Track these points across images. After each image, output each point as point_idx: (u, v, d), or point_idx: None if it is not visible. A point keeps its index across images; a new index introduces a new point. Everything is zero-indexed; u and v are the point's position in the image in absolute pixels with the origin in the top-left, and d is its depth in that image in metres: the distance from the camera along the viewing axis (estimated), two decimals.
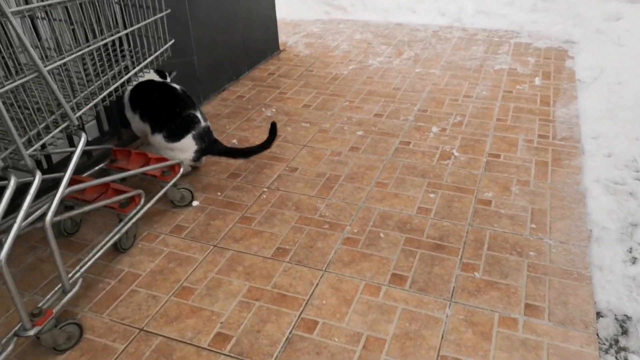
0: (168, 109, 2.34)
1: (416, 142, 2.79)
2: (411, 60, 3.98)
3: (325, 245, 2.05)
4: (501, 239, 2.06)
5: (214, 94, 3.42)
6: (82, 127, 1.71)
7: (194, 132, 2.34)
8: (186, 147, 2.34)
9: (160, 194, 2.13)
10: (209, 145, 2.42)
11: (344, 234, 2.10)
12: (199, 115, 2.39)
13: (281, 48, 4.29)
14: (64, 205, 2.10)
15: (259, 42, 3.92)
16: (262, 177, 2.50)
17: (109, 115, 2.71)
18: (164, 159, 2.23)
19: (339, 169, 2.56)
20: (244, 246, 2.05)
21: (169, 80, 2.58)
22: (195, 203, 2.31)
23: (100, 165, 2.33)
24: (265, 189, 2.42)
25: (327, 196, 2.35)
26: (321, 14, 5.30)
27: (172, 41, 2.06)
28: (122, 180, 2.26)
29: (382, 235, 2.09)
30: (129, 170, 2.22)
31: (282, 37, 4.57)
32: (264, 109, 3.23)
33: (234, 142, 2.84)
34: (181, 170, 2.23)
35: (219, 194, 2.38)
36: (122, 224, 1.95)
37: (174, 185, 2.21)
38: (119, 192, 2.01)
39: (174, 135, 2.33)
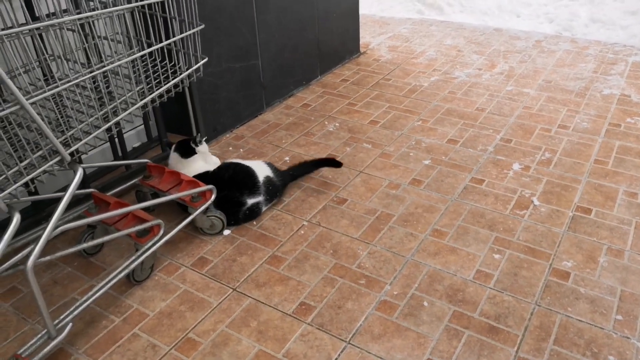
0: (229, 200, 2.14)
1: (491, 180, 2.39)
2: (504, 75, 3.50)
3: (356, 307, 1.76)
4: (574, 330, 1.66)
5: (278, 100, 3.21)
6: (78, 160, 1.55)
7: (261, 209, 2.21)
8: None
9: (185, 222, 1.96)
10: (278, 192, 2.28)
11: (380, 296, 1.80)
12: (262, 198, 2.19)
13: (362, 50, 3.98)
14: (87, 225, 1.99)
15: (336, 44, 3.64)
16: (305, 207, 2.25)
17: (158, 118, 2.58)
18: (196, 183, 2.04)
19: (393, 206, 2.24)
20: (265, 295, 1.82)
21: (198, 149, 2.23)
22: (226, 232, 2.11)
23: (134, 181, 2.20)
24: (305, 223, 2.16)
25: (372, 241, 2.05)
26: (414, 12, 4.90)
27: (205, 59, 1.85)
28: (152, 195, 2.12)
29: (425, 303, 1.77)
30: (160, 189, 2.07)
31: (366, 38, 4.26)
32: (326, 122, 2.96)
33: (286, 160, 2.61)
34: (213, 196, 2.03)
35: (254, 223, 2.17)
36: (136, 255, 1.80)
37: (204, 212, 2.03)
38: (139, 219, 1.85)
39: (242, 222, 2.18)
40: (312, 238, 2.08)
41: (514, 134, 2.77)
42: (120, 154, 2.35)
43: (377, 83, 3.44)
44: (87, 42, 1.65)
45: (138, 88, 1.69)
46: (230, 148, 2.73)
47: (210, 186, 2.03)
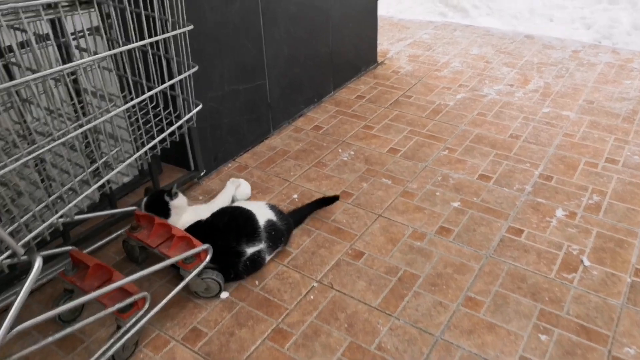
0: (226, 252, 1.84)
1: (531, 231, 2.07)
2: (539, 93, 3.15)
3: None
4: None
5: (287, 121, 2.89)
6: (36, 249, 1.26)
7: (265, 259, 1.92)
8: None
9: (176, 290, 1.66)
10: (283, 237, 1.99)
11: None
12: (264, 245, 1.89)
13: (379, 60, 3.64)
14: (64, 288, 1.70)
15: (351, 54, 3.30)
16: (316, 262, 1.94)
17: None
18: (189, 240, 1.74)
19: (418, 263, 1.93)
20: None
21: (172, 204, 1.90)
22: (224, 295, 1.81)
23: (120, 232, 1.91)
24: (315, 284, 1.86)
25: (395, 311, 1.74)
26: (436, 14, 4.53)
27: (200, 106, 1.54)
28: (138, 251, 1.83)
29: None
30: (148, 244, 1.78)
31: (384, 45, 3.91)
32: (340, 150, 2.64)
33: (294, 197, 2.30)
34: (207, 258, 1.73)
35: (256, 283, 1.87)
36: (117, 334, 1.51)
37: (198, 274, 1.73)
38: (122, 289, 1.56)
39: (243, 274, 1.89)
40: (324, 306, 1.77)
41: (555, 169, 2.43)
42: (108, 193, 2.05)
43: (397, 101, 3.10)
44: (73, 96, 1.35)
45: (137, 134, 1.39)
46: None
47: (205, 246, 1.72)
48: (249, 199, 2.27)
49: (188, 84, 1.47)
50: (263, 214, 1.92)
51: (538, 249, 1.98)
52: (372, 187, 2.35)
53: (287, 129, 2.84)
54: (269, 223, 1.90)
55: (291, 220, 2.04)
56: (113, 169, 1.43)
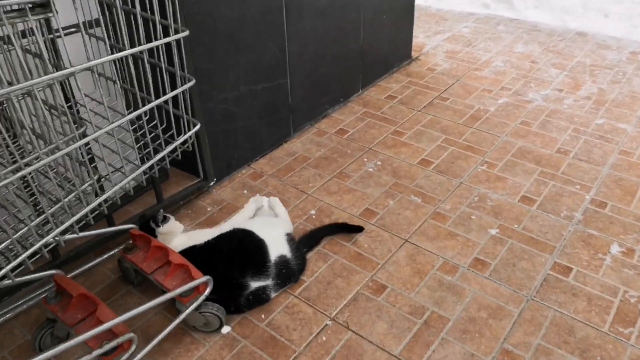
0: (227, 282, 1.63)
1: (581, 269, 1.80)
2: (592, 100, 2.82)
3: None
4: None
5: (309, 123, 2.65)
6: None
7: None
8: None
9: (172, 326, 1.46)
10: (293, 277, 1.77)
11: None
12: (271, 282, 1.68)
13: (414, 55, 3.35)
14: (46, 317, 1.52)
15: (384, 50, 3.03)
16: (331, 295, 1.72)
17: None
18: (188, 270, 1.53)
19: (448, 303, 1.69)
20: None
21: (159, 231, 1.72)
22: (225, 330, 1.61)
23: (114, 252, 1.72)
24: (328, 322, 1.63)
25: None
26: (477, 5, 4.19)
27: (198, 126, 1.31)
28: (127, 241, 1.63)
29: None
30: (143, 269, 1.58)
31: (419, 37, 3.61)
32: (365, 159, 2.39)
33: (311, 214, 2.07)
34: (207, 291, 1.52)
35: (262, 317, 1.66)
36: None
37: (197, 308, 1.52)
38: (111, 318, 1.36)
39: (244, 309, 1.67)
40: (337, 350, 1.55)
41: (610, 194, 2.14)
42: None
43: (431, 103, 2.83)
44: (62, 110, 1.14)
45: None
46: (245, 191, 2.20)
47: (204, 278, 1.51)
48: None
49: (183, 100, 1.25)
50: (277, 246, 1.71)
51: (589, 293, 1.71)
52: (399, 206, 2.11)
53: (309, 132, 2.60)
54: (282, 259, 1.68)
55: (305, 259, 1.82)
56: (111, 185, 1.22)
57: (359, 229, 1.95)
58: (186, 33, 1.13)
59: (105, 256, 1.69)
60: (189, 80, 1.22)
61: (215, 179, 2.17)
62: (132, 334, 1.36)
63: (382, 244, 1.92)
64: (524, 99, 2.85)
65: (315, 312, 1.67)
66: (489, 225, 2.00)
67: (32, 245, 1.13)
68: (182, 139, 1.31)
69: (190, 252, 1.64)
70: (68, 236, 1.49)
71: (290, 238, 1.76)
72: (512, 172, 2.28)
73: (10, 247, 1.13)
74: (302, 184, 2.24)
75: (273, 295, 1.68)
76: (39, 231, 1.18)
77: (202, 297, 1.51)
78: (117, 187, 1.25)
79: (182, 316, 1.48)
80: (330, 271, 1.81)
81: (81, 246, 1.78)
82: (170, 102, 1.26)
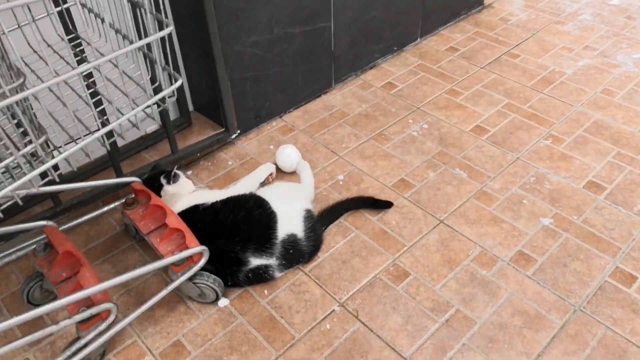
0: (228, 252, 1.46)
1: None
2: None
3: None
4: None
5: (354, 73, 2.38)
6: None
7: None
8: None
9: (160, 295, 1.33)
10: (302, 258, 1.57)
11: None
12: (275, 262, 1.49)
13: (487, 1, 2.93)
14: (36, 271, 1.43)
15: None
16: (345, 275, 1.53)
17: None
18: (183, 236, 1.38)
19: (478, 302, 1.45)
20: None
21: (166, 190, 1.55)
22: (222, 302, 1.47)
23: (116, 204, 1.59)
24: (336, 307, 1.46)
25: None
26: None
27: (179, 82, 1.10)
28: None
29: None
30: (140, 228, 1.45)
31: None
32: (411, 120, 2.12)
33: (339, 179, 1.86)
34: (202, 262, 1.37)
35: (265, 292, 1.50)
36: (75, 347, 1.23)
37: (190, 279, 1.38)
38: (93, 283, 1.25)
39: (243, 285, 1.52)
40: (340, 342, 1.38)
41: None
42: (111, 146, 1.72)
43: (498, 60, 2.46)
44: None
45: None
46: (272, 146, 2.01)
47: (199, 248, 1.36)
48: (292, 171, 1.87)
49: (161, 49, 1.04)
50: (289, 223, 1.52)
51: None
52: (440, 179, 1.85)
53: (353, 84, 2.34)
54: (291, 238, 1.49)
55: (321, 240, 1.61)
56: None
57: (387, 205, 1.72)
58: None
59: (106, 208, 1.57)
60: (167, 26, 1.01)
61: (238, 131, 1.98)
62: (110, 304, 1.24)
63: (413, 222, 1.69)
64: (610, 62, 2.42)
65: (324, 294, 1.49)
66: (542, 213, 1.71)
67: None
68: (160, 95, 1.11)
69: (191, 214, 1.49)
70: (48, 189, 1.37)
71: (308, 215, 1.56)
72: (581, 151, 1.94)
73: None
74: (335, 143, 2.02)
75: (277, 275, 1.51)
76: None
77: (196, 267, 1.36)
78: (75, 148, 1.07)
79: (172, 286, 1.35)
80: (349, 248, 1.61)
81: (86, 194, 1.67)
82: (156, 50, 1.06)
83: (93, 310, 1.21)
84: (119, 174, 1.68)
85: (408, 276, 1.53)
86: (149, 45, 1.07)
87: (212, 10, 1.63)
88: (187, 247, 1.35)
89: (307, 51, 2.09)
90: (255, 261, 1.44)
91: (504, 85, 2.29)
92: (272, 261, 1.46)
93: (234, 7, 1.74)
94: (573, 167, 1.88)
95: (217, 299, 1.45)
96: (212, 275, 1.42)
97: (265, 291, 1.50)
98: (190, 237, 1.37)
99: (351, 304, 1.46)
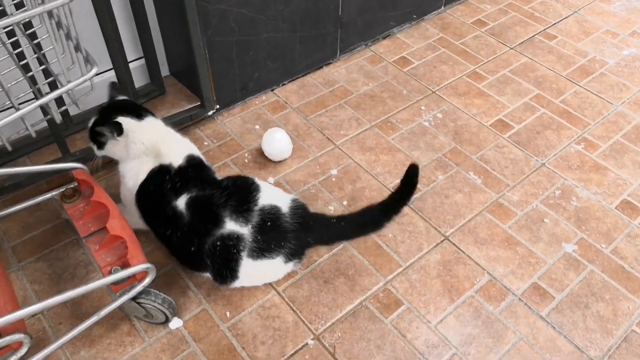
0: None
1: None
2: None
3: None
4: None
5: (364, 43, 2.05)
6: None
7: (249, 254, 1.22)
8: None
9: (94, 319, 1.09)
10: (285, 244, 1.24)
11: None
12: (247, 234, 1.19)
13: None
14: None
15: None
16: (325, 300, 1.29)
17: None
18: (125, 247, 1.13)
19: (478, 347, 1.21)
20: None
21: (128, 128, 1.20)
22: (175, 324, 1.23)
23: (52, 194, 1.32)
24: (310, 341, 1.22)
25: None
26: None
27: (94, 70, 0.81)
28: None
29: None
30: (77, 228, 1.20)
31: None
32: (423, 107, 1.82)
33: (331, 174, 1.59)
34: (147, 280, 1.12)
35: (227, 314, 1.26)
36: None
37: (134, 298, 1.14)
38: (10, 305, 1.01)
39: (220, 276, 1.24)
40: None
41: None
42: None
43: (531, 41, 2.13)
44: None
45: None
46: (257, 126, 1.72)
47: (144, 266, 1.10)
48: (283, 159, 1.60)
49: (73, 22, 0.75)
50: (273, 197, 1.24)
51: None
52: (450, 184, 1.57)
53: (360, 55, 2.02)
54: (273, 210, 1.22)
55: (315, 234, 1.28)
56: None
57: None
58: None
59: (40, 199, 1.30)
60: None
61: (217, 106, 1.69)
62: (21, 335, 0.99)
63: (413, 237, 1.43)
64: None
65: (298, 322, 1.25)
66: (565, 237, 1.44)
67: None
68: (71, 85, 0.82)
69: (159, 177, 1.20)
70: None
71: (298, 205, 1.26)
72: (617, 162, 1.65)
73: None
74: (332, 128, 1.73)
75: (245, 261, 1.20)
76: None
77: (139, 288, 1.11)
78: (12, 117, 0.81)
79: (108, 309, 1.10)
80: (333, 265, 1.36)
81: (24, 174, 1.41)
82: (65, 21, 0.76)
83: (9, 339, 0.97)
84: (65, 154, 1.41)
85: (400, 306, 1.28)
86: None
87: None
88: (128, 264, 1.10)
89: (309, 14, 1.77)
90: (229, 225, 1.17)
91: (535, 72, 1.97)
92: (245, 232, 1.18)
93: None
94: (606, 181, 1.59)
95: (167, 320, 1.22)
96: (161, 294, 1.17)
97: (228, 313, 1.26)
98: (133, 249, 1.11)
99: (329, 338, 1.22)
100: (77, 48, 0.85)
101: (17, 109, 0.82)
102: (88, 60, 0.83)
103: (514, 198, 1.54)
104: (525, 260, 1.39)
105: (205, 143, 1.66)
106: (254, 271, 1.23)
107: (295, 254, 1.26)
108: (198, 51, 1.49)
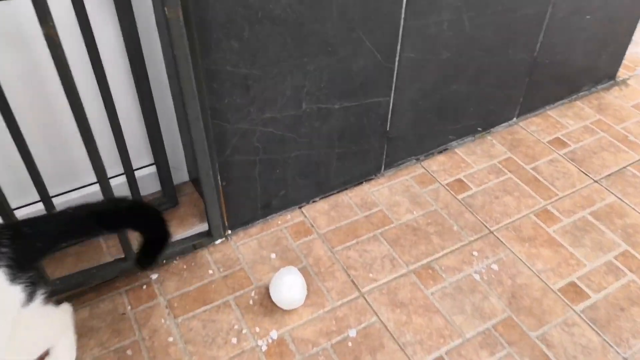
0: None
1: None
2: None
3: None
4: None
5: (415, 158, 1.77)
6: None
7: None
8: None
9: None
10: None
11: None
12: None
13: (621, 75, 2.20)
14: None
15: (571, 62, 1.96)
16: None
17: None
18: None
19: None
20: None
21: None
22: None
23: None
24: None
25: None
26: None
27: None
28: None
29: None
30: None
31: (634, 49, 2.39)
32: (476, 253, 1.50)
33: (349, 335, 1.29)
34: None
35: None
36: None
37: None
38: None
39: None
40: None
41: None
42: None
43: (622, 173, 1.76)
44: None
45: None
46: (273, 255, 1.47)
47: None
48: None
49: None
50: None
51: None
52: None
53: (409, 172, 1.74)
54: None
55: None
56: None
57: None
58: None
59: None
60: None
61: (229, 232, 1.46)
62: None
63: None
64: None
65: None
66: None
67: None
68: None
69: None
70: None
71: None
72: None
73: None
74: (361, 268, 1.45)
75: None
76: None
77: None
78: None
79: None
80: None
81: None
82: None
83: None
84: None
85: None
86: None
87: (191, 76, 1.11)
88: None
89: (350, 131, 1.52)
90: None
91: (625, 219, 1.60)
92: None
93: (241, 75, 1.20)
94: None
95: None
96: None
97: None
98: None
99: None
100: None
101: None
102: None
103: None
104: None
105: (210, 272, 1.42)
106: None
107: None
108: (206, 180, 1.27)
